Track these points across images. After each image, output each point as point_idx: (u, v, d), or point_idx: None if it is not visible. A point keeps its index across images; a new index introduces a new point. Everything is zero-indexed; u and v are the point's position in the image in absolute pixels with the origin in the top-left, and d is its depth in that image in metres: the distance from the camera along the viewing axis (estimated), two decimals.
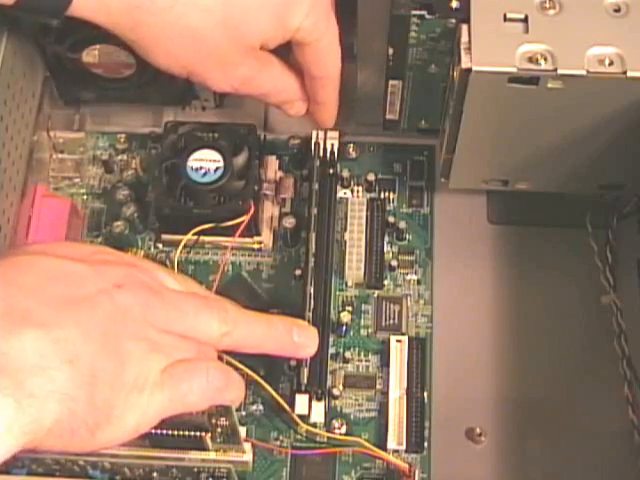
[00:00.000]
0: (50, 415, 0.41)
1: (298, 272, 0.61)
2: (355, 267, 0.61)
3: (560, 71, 0.51)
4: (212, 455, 0.53)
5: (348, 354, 0.59)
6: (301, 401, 0.56)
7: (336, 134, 0.64)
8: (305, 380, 0.56)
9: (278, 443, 0.57)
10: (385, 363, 0.59)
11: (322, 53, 0.59)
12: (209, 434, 0.51)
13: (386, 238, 0.63)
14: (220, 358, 0.51)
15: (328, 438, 0.57)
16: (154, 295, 0.46)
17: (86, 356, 0.42)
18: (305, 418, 0.56)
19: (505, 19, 0.52)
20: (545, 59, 0.51)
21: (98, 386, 0.42)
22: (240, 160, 0.61)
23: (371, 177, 0.64)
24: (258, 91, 0.60)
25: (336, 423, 0.57)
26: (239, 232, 0.60)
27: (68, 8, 0.51)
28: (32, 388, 0.40)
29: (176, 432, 0.50)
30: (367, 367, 0.59)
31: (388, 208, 0.64)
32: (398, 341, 0.59)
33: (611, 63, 0.51)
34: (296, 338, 0.53)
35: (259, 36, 0.56)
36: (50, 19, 0.53)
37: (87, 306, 0.43)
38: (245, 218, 0.59)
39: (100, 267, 0.46)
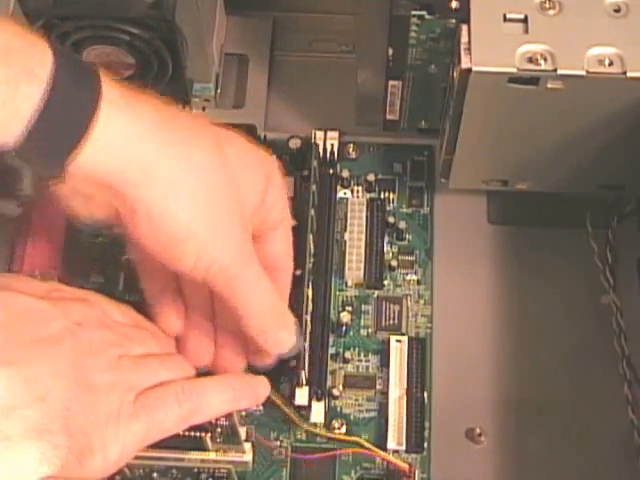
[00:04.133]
0: (32, 454, 0.41)
1: (298, 272, 0.61)
2: (355, 267, 0.61)
3: (560, 71, 0.51)
4: (212, 455, 0.53)
5: (348, 354, 0.59)
6: (301, 394, 0.56)
7: (336, 134, 0.64)
8: (305, 381, 0.56)
9: (278, 443, 0.57)
10: (385, 363, 0.59)
11: (290, 239, 0.54)
12: (209, 434, 0.51)
13: (386, 238, 0.63)
14: None
15: (328, 438, 0.57)
16: (107, 329, 0.48)
17: (57, 392, 0.43)
18: (304, 412, 0.56)
19: (505, 19, 0.52)
20: (545, 59, 0.51)
21: (73, 418, 0.43)
22: None
23: (371, 177, 0.64)
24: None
25: (336, 423, 0.57)
26: None
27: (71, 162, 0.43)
28: (6, 431, 0.41)
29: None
30: (367, 367, 0.59)
31: (388, 208, 0.64)
32: (398, 341, 0.59)
33: (611, 63, 0.51)
34: None
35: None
36: (47, 172, 0.44)
37: (53, 343, 0.44)
38: None
39: (60, 305, 0.47)
